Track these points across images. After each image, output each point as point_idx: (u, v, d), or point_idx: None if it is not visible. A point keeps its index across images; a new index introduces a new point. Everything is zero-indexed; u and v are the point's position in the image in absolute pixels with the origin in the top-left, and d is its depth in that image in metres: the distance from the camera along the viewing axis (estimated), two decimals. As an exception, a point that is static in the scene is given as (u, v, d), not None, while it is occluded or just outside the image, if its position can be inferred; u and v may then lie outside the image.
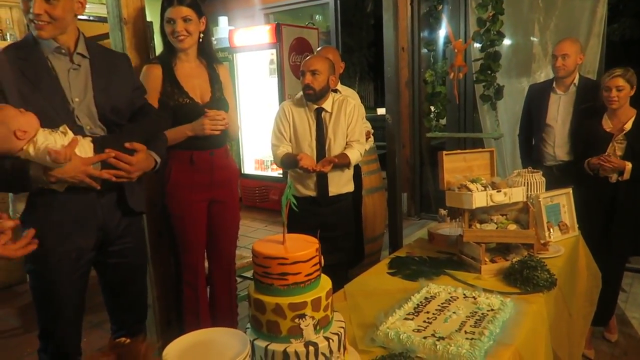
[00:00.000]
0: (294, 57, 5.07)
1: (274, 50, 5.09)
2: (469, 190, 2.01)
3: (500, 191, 1.99)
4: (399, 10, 3.31)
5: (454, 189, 2.08)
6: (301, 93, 2.49)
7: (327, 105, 2.47)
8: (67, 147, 1.43)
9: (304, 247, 1.22)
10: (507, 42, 3.68)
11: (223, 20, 5.61)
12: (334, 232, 2.49)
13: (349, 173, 2.57)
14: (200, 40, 2.12)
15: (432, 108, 3.23)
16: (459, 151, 2.21)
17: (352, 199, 2.63)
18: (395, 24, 3.16)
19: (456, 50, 3.09)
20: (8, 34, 4.69)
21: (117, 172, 1.57)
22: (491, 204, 1.98)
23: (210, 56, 2.20)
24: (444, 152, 2.14)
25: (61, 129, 1.51)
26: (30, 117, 1.46)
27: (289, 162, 2.42)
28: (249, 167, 5.85)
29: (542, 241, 2.16)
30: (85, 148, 1.53)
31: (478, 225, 2.05)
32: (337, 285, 2.51)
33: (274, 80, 5.21)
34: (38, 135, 1.46)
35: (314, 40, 5.34)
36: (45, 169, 1.44)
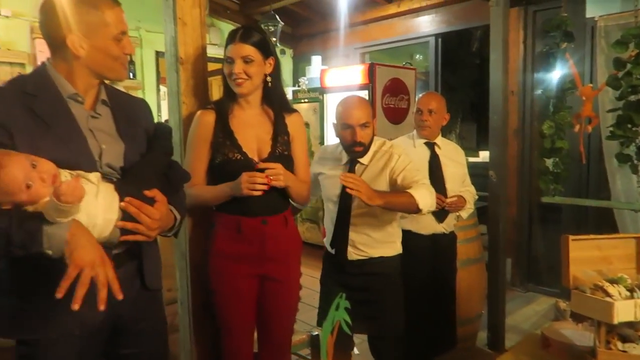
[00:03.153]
0: (387, 98, 4.70)
1: (366, 92, 4.76)
2: (608, 295, 1.45)
3: (657, 302, 1.40)
4: (509, 50, 2.84)
5: (585, 290, 1.52)
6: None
7: (365, 158, 2.07)
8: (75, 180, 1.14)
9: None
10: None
11: (316, 60, 5.42)
12: (363, 294, 2.03)
13: (388, 232, 2.09)
14: (268, 84, 1.80)
15: (550, 167, 2.65)
16: (591, 236, 1.64)
17: (397, 264, 2.13)
18: (504, 66, 2.70)
19: (584, 98, 2.50)
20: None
21: (137, 226, 1.26)
22: (643, 320, 1.40)
23: (278, 103, 1.85)
24: (570, 237, 1.59)
25: (92, 177, 1.23)
26: (45, 164, 1.17)
27: None
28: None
29: None
30: (109, 196, 1.24)
31: (619, 344, 1.47)
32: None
33: (365, 123, 4.85)
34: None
35: (410, 81, 4.94)
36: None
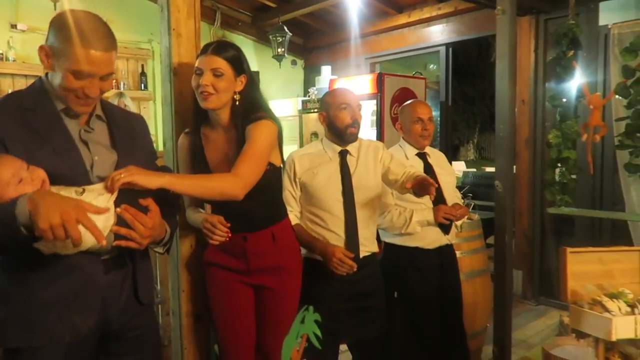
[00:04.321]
0: (396, 108, 4.66)
1: (375, 101, 4.73)
2: (607, 310, 1.40)
3: (659, 319, 1.34)
4: (518, 59, 2.78)
5: (583, 305, 1.47)
6: (320, 140, 2.13)
7: (352, 148, 2.07)
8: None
9: None
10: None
11: (325, 70, 5.42)
12: (368, 300, 2.05)
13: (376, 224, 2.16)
14: (236, 102, 1.68)
15: (557, 177, 2.56)
16: (591, 249, 1.59)
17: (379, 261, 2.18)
18: (510, 75, 2.64)
19: (592, 107, 2.42)
20: (122, 83, 4.95)
21: (130, 232, 1.27)
22: (643, 338, 1.33)
23: (244, 119, 1.67)
24: (569, 250, 1.54)
25: (96, 187, 1.25)
26: (38, 170, 1.22)
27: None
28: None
29: None
30: (104, 199, 1.25)
31: (620, 363, 1.41)
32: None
33: (374, 132, 4.83)
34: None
35: (420, 90, 4.90)
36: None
